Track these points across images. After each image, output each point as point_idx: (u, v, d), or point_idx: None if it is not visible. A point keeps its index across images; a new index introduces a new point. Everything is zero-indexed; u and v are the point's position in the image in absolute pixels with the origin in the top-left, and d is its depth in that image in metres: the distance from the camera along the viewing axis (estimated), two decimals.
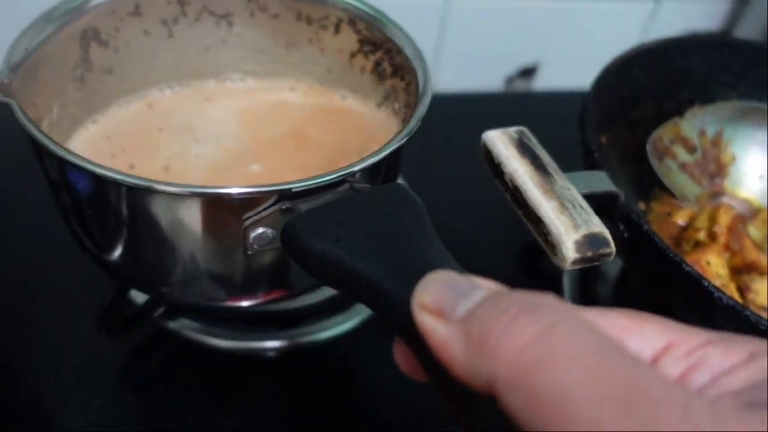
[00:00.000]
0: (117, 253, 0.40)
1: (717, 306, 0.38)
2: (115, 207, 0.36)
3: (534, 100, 0.95)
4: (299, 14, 0.50)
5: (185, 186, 0.33)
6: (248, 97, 0.53)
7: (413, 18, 0.85)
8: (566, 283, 0.62)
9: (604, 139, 0.55)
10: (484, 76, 0.95)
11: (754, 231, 0.55)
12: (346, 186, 0.35)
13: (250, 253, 0.36)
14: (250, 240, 0.35)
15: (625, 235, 0.43)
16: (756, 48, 0.61)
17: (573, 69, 0.95)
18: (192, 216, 0.35)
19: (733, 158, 0.61)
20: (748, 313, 0.37)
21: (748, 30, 0.98)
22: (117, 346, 0.51)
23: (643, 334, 0.21)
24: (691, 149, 0.60)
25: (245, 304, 0.42)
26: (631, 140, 0.59)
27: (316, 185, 0.34)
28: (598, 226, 0.36)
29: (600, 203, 0.44)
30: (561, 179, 0.39)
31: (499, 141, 0.41)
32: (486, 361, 0.18)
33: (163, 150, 0.47)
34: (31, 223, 0.59)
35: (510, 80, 0.95)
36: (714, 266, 0.49)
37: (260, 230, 0.34)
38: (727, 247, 0.52)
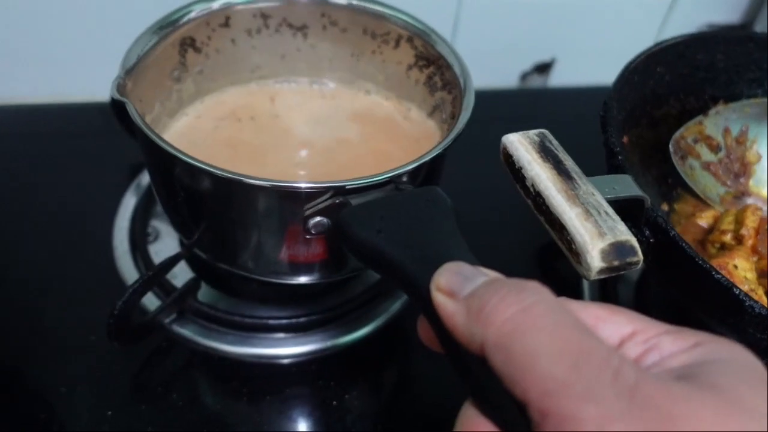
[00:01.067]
0: (194, 223, 0.47)
1: (748, 315, 0.37)
2: (200, 190, 0.42)
3: (550, 97, 0.93)
4: (365, 29, 0.56)
5: (263, 180, 0.39)
6: (316, 99, 0.59)
7: (426, 13, 0.84)
8: (586, 285, 0.60)
9: (625, 139, 0.54)
10: (499, 73, 0.93)
11: None
12: (391, 186, 0.40)
13: (308, 237, 0.42)
14: (309, 226, 0.41)
15: (651, 240, 0.42)
16: None
17: (590, 64, 0.93)
18: (265, 204, 0.41)
19: (759, 157, 0.59)
20: None
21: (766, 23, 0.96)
22: (129, 355, 0.50)
23: (614, 323, 0.26)
24: (715, 148, 0.59)
25: (303, 280, 0.48)
26: (653, 140, 0.58)
27: (365, 184, 0.39)
28: (624, 233, 0.35)
29: (624, 207, 0.43)
30: (585, 184, 0.37)
31: (520, 145, 0.40)
32: (480, 328, 0.24)
33: (242, 137, 0.54)
34: (41, 233, 0.58)
35: (525, 76, 0.93)
36: (741, 270, 0.47)
37: (317, 219, 0.41)
38: (754, 250, 0.50)
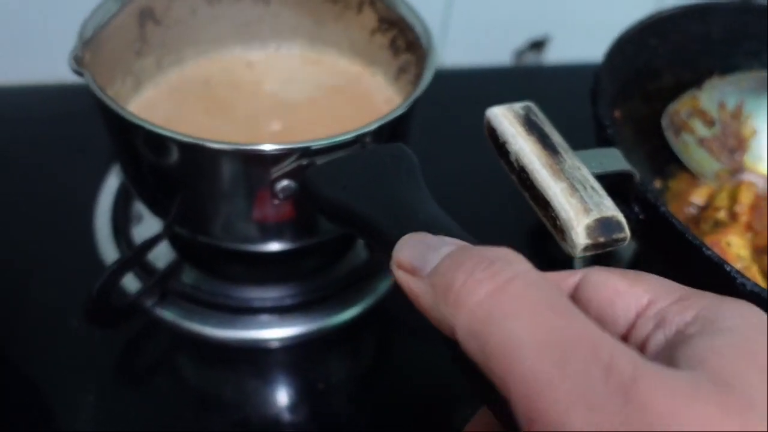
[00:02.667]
0: (167, 198, 0.46)
1: (740, 293, 0.36)
2: (167, 160, 0.42)
3: (545, 74, 0.92)
4: None
5: (226, 143, 0.38)
6: (281, 64, 0.59)
7: None
8: (578, 265, 0.59)
9: (617, 114, 0.52)
10: (493, 50, 0.92)
11: None
12: (357, 145, 0.40)
13: (276, 202, 0.42)
14: (277, 190, 0.41)
15: (641, 216, 0.40)
16: None
17: (585, 41, 0.91)
18: (231, 168, 0.41)
19: (754, 132, 0.58)
20: None
21: None
22: (111, 339, 0.50)
23: (632, 294, 0.23)
24: (710, 123, 0.57)
25: (275, 247, 0.47)
26: (646, 114, 0.56)
27: (330, 144, 0.39)
28: (611, 209, 0.34)
29: (613, 183, 0.41)
30: (571, 158, 0.36)
31: (504, 118, 0.38)
32: (449, 311, 0.21)
33: (207, 106, 0.53)
34: (21, 217, 0.57)
35: (520, 54, 0.91)
36: (735, 247, 0.46)
37: (285, 182, 0.40)
38: (749, 227, 0.49)
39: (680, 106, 0.56)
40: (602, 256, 0.56)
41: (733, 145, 0.58)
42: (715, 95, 0.57)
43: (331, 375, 0.50)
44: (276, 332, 0.51)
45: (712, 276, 0.37)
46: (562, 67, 0.91)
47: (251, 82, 0.56)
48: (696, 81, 0.58)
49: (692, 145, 0.57)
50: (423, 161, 0.54)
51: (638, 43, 0.53)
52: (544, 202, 0.35)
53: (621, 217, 0.34)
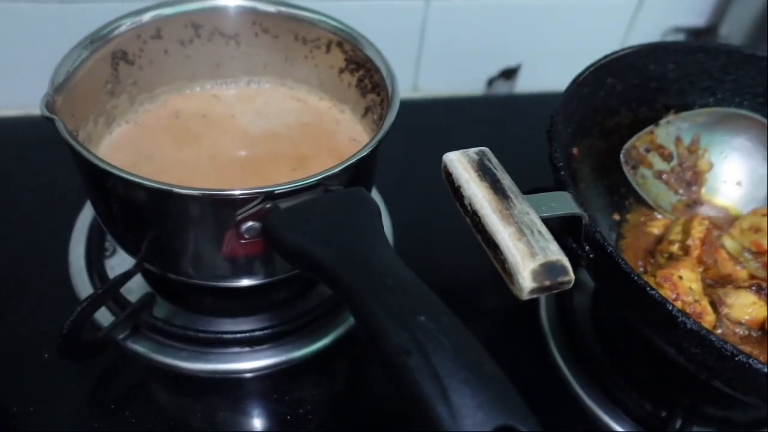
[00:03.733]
0: (137, 237, 0.47)
1: (681, 330, 0.38)
2: (135, 202, 0.43)
3: (516, 102, 0.94)
4: (296, 35, 0.58)
5: (192, 189, 0.40)
6: (251, 99, 0.60)
7: (393, 21, 0.84)
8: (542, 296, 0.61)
9: (576, 151, 0.54)
10: (467, 79, 0.94)
11: (730, 242, 0.54)
12: (321, 188, 0.42)
13: (243, 241, 0.43)
14: (242, 231, 0.42)
15: (591, 256, 0.42)
16: (733, 52, 0.60)
17: (556, 69, 0.93)
18: (197, 211, 0.43)
19: (711, 165, 0.60)
20: (713, 338, 0.37)
21: (733, 25, 0.97)
22: (83, 372, 0.51)
23: None
24: (667, 157, 0.59)
25: (245, 283, 0.48)
26: (605, 150, 0.58)
27: (293, 188, 0.41)
28: (556, 253, 0.36)
29: (568, 222, 0.44)
30: (521, 203, 0.38)
31: (459, 163, 0.40)
32: None
33: (176, 138, 0.55)
34: None
35: (492, 82, 0.94)
36: (687, 281, 0.48)
37: (250, 223, 0.42)
38: (700, 261, 0.51)
39: (638, 142, 0.58)
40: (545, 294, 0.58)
41: (690, 178, 0.60)
42: (671, 131, 0.59)
43: (301, 405, 0.51)
44: (247, 364, 0.53)
45: (656, 312, 0.39)
46: (533, 95, 0.93)
47: (221, 115, 0.58)
48: (653, 118, 0.60)
49: (650, 178, 0.59)
50: (399, 188, 0.56)
51: (594, 83, 0.55)
52: (494, 246, 0.37)
53: (565, 261, 0.35)
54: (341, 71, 0.57)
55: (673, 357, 0.41)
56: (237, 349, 0.53)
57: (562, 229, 0.44)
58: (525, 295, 0.35)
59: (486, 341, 0.57)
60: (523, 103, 0.93)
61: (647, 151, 0.59)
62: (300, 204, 0.40)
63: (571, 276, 0.35)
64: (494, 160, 0.41)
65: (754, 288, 0.50)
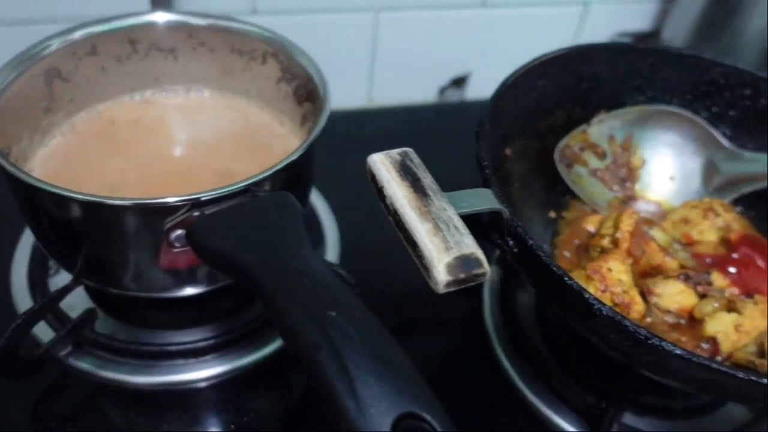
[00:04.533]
0: (71, 251, 0.47)
1: (598, 317, 0.39)
2: (64, 216, 0.43)
3: (467, 109, 0.95)
4: (233, 48, 0.59)
5: (119, 199, 0.41)
6: (189, 109, 0.60)
7: (346, 35, 0.86)
8: (486, 292, 0.62)
9: (509, 151, 0.56)
10: (420, 88, 0.95)
11: (660, 234, 0.56)
12: (249, 194, 0.42)
13: (175, 250, 0.43)
14: (172, 239, 0.42)
15: (515, 250, 0.43)
16: (661, 52, 0.62)
17: (505, 76, 0.96)
18: (125, 221, 0.43)
19: (643, 161, 0.62)
20: (627, 323, 0.38)
21: (675, 29, 0.99)
22: (25, 390, 0.50)
23: None
24: (602, 155, 0.61)
25: (184, 293, 0.49)
26: (541, 149, 0.60)
27: (219, 195, 0.41)
28: (470, 246, 0.37)
29: (492, 219, 0.45)
30: (439, 200, 0.39)
31: (381, 164, 0.41)
32: None
33: (111, 146, 0.55)
34: None
35: (443, 90, 0.95)
36: (616, 272, 0.49)
37: (179, 232, 0.42)
38: (629, 253, 0.52)
39: (571, 141, 0.59)
40: (509, 279, 0.59)
41: (625, 174, 0.62)
42: (604, 130, 0.61)
43: (247, 413, 0.52)
44: (192, 375, 0.53)
45: (575, 301, 0.40)
46: (483, 102, 0.95)
47: (156, 124, 0.58)
48: (587, 117, 0.62)
49: (585, 176, 0.60)
50: (354, 196, 0.56)
51: (526, 85, 0.56)
52: (413, 243, 0.38)
53: (480, 254, 0.36)
54: (278, 81, 0.58)
55: (598, 345, 0.42)
56: (182, 361, 0.53)
57: (488, 225, 0.45)
58: (441, 288, 0.36)
59: (432, 343, 0.59)
60: (474, 110, 0.93)
61: (582, 149, 0.60)
62: (224, 210, 0.41)
63: (486, 268, 0.36)
64: (416, 160, 0.42)
65: (682, 277, 0.51)
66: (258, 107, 0.61)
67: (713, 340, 0.49)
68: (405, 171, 0.41)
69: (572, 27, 0.98)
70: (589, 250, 0.55)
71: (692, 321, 0.51)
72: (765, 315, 0.49)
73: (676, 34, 1.00)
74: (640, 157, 0.62)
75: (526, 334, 0.58)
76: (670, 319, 0.50)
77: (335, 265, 0.59)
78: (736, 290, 0.52)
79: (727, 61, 0.61)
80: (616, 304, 0.49)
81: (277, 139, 0.58)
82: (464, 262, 0.36)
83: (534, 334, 0.59)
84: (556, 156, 0.58)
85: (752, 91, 0.60)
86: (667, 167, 0.61)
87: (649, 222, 0.57)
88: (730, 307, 0.49)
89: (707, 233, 0.55)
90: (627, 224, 0.52)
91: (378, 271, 0.61)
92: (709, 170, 0.61)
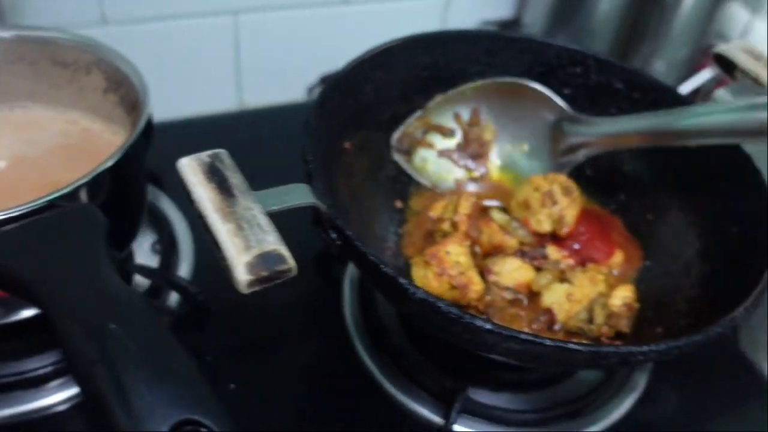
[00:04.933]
0: None
1: (413, 300, 0.39)
2: None
3: None
4: (54, 60, 0.56)
5: None
6: (18, 128, 0.58)
7: (207, 39, 0.84)
8: (346, 282, 0.62)
9: (348, 145, 0.56)
10: (289, 88, 0.95)
11: (498, 215, 0.57)
12: (55, 209, 0.40)
13: None
14: None
15: (338, 243, 0.43)
16: (495, 36, 0.63)
17: None
18: None
19: (495, 133, 0.63)
20: (440, 304, 0.38)
21: (533, 16, 1.03)
22: None
23: None
24: (449, 133, 0.62)
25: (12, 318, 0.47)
26: (384, 141, 0.60)
27: (18, 213, 0.39)
28: (272, 243, 0.36)
29: (318, 214, 0.44)
30: (245, 200, 0.38)
31: (189, 168, 0.40)
32: None
33: None
34: None
35: (312, 89, 0.95)
36: (454, 255, 0.50)
37: None
38: (467, 235, 0.53)
39: (410, 129, 0.60)
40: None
41: (476, 150, 0.62)
42: (446, 110, 0.62)
43: None
44: (36, 404, 0.50)
45: (393, 287, 0.40)
46: None
47: None
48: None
49: (432, 159, 0.61)
50: None
51: (360, 78, 0.56)
52: (216, 245, 0.37)
53: (283, 250, 0.36)
54: (105, 91, 0.56)
55: (426, 328, 0.43)
56: (21, 392, 0.50)
57: (313, 221, 0.45)
58: (244, 289, 0.35)
59: (295, 348, 0.58)
60: None
61: (425, 133, 0.61)
62: (20, 227, 0.39)
63: (290, 264, 0.36)
64: (227, 161, 0.41)
65: (518, 254, 0.53)
66: (89, 119, 0.58)
67: (549, 312, 0.51)
68: (212, 173, 0.40)
69: (436, 19, 1.00)
70: (433, 235, 0.56)
71: (532, 295, 0.53)
72: (595, 282, 0.51)
73: (535, 20, 1.04)
74: (492, 130, 0.62)
75: (385, 327, 0.58)
76: (509, 295, 0.51)
77: (184, 279, 0.57)
78: (571, 261, 0.54)
79: (573, 44, 0.63)
80: (454, 287, 0.50)
81: (112, 150, 0.56)
82: (265, 259, 0.36)
83: (395, 326, 0.59)
84: (395, 144, 0.59)
85: (582, 69, 0.63)
86: (518, 139, 0.63)
87: (497, 197, 0.58)
88: (563, 278, 0.51)
89: (544, 223, 0.56)
90: (464, 207, 0.53)
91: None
92: (556, 136, 0.62)
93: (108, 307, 0.32)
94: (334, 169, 0.54)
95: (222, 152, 0.42)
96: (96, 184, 0.43)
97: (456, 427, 0.52)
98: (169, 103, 0.85)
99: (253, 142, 0.84)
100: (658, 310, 0.52)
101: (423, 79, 0.62)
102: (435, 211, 0.58)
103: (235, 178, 0.40)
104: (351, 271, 0.63)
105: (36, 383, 0.51)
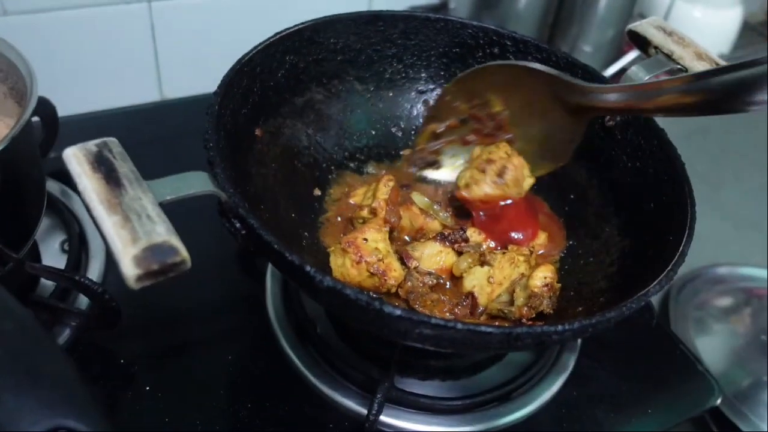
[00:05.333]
0: None
1: (321, 289, 0.37)
2: None
3: None
4: None
5: None
6: None
7: (121, 27, 0.80)
8: (268, 276, 0.60)
9: (259, 132, 0.54)
10: (211, 77, 0.91)
11: (419, 197, 0.56)
12: None
13: None
14: None
15: (243, 232, 0.41)
16: (409, 17, 0.61)
17: None
18: None
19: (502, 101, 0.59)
20: (348, 292, 0.37)
21: (459, 1, 1.02)
22: None
23: None
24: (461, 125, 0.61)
25: None
26: (300, 128, 0.58)
27: None
28: (162, 235, 0.34)
29: (221, 205, 0.42)
30: (135, 190, 0.36)
31: (74, 158, 0.37)
32: None
33: None
34: None
35: None
36: (372, 242, 0.49)
37: None
38: (386, 221, 0.52)
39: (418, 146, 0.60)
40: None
41: (493, 126, 0.60)
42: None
43: None
44: None
45: (301, 275, 0.38)
46: None
47: None
48: (348, 90, 0.61)
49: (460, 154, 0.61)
50: None
51: (268, 62, 0.54)
52: (103, 238, 0.34)
53: (175, 241, 0.34)
54: None
55: (341, 318, 0.41)
56: None
57: (219, 211, 0.43)
58: (133, 284, 0.33)
59: (219, 345, 0.55)
60: None
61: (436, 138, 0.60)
62: None
63: (184, 255, 0.34)
64: (117, 150, 0.38)
65: (438, 237, 0.51)
66: None
67: (471, 295, 0.50)
68: (99, 163, 0.37)
69: (363, 7, 0.98)
70: (353, 223, 0.54)
71: (454, 279, 0.52)
72: (515, 264, 0.50)
73: (461, 5, 1.03)
74: (495, 100, 0.59)
75: (310, 320, 0.56)
76: (430, 280, 0.50)
77: (89, 279, 0.54)
78: (492, 244, 0.53)
79: (489, 24, 0.62)
80: (373, 274, 0.48)
81: None
82: (155, 252, 0.33)
83: (320, 317, 0.57)
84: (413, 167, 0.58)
85: (500, 49, 0.62)
86: None
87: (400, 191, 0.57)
88: (483, 261, 0.50)
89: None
90: (382, 192, 0.52)
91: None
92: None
93: None
94: (246, 157, 0.51)
95: (111, 140, 0.39)
96: None
97: (383, 417, 0.51)
98: (84, 96, 0.81)
99: (174, 133, 0.81)
100: (579, 290, 0.52)
101: (337, 63, 0.60)
102: (355, 198, 0.56)
103: (125, 167, 0.37)
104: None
105: None
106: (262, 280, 0.60)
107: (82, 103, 0.81)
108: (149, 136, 0.80)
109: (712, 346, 0.80)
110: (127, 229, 0.34)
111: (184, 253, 0.34)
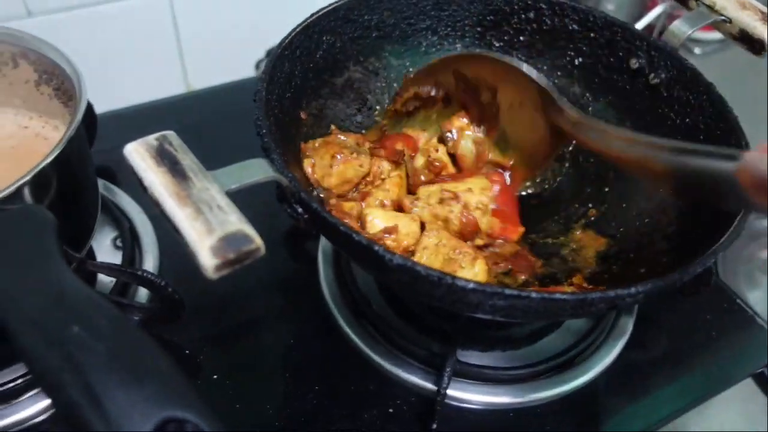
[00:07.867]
0: None
1: (390, 267, 0.38)
2: None
3: None
4: None
5: None
6: None
7: (143, 21, 0.80)
8: (320, 256, 0.60)
9: (304, 115, 0.53)
10: (236, 65, 0.91)
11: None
12: None
13: None
14: None
15: (305, 216, 0.41)
16: None
17: None
18: None
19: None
20: (419, 268, 0.37)
21: None
22: None
23: None
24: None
25: None
26: (342, 108, 0.58)
27: None
28: (236, 224, 0.34)
29: (282, 189, 0.42)
30: (201, 181, 0.36)
31: (137, 153, 0.37)
32: None
33: None
34: None
35: (259, 64, 0.92)
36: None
37: None
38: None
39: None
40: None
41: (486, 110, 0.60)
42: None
43: None
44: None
45: (368, 255, 0.38)
46: None
47: None
48: (384, 66, 0.60)
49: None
50: None
51: (306, 44, 0.54)
52: (177, 231, 0.34)
53: (248, 230, 0.34)
54: (38, 84, 0.53)
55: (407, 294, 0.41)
56: None
57: (278, 197, 0.43)
58: (212, 274, 0.33)
59: (276, 329, 0.56)
60: None
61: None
62: None
63: (258, 243, 0.34)
64: (176, 142, 0.39)
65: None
66: (27, 115, 0.55)
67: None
68: (162, 156, 0.37)
69: None
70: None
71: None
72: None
73: None
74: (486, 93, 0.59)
75: (363, 295, 0.57)
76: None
77: (149, 272, 0.54)
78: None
79: None
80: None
81: (53, 145, 0.52)
82: (230, 241, 0.33)
83: (374, 294, 0.58)
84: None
85: (535, 14, 0.61)
86: None
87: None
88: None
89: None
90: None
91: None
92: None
93: (67, 310, 0.30)
94: (294, 141, 0.51)
95: (170, 133, 0.39)
96: (39, 182, 0.40)
97: (449, 390, 0.51)
98: (112, 93, 0.81)
99: (207, 124, 0.81)
100: (639, 251, 0.51)
101: (372, 40, 0.60)
102: None
103: (187, 159, 0.37)
104: (324, 243, 0.61)
105: (7, 398, 0.48)
106: (313, 262, 0.60)
107: (109, 100, 0.82)
108: (180, 128, 0.81)
109: (762, 298, 0.79)
110: (200, 220, 0.34)
111: (258, 240, 0.34)
